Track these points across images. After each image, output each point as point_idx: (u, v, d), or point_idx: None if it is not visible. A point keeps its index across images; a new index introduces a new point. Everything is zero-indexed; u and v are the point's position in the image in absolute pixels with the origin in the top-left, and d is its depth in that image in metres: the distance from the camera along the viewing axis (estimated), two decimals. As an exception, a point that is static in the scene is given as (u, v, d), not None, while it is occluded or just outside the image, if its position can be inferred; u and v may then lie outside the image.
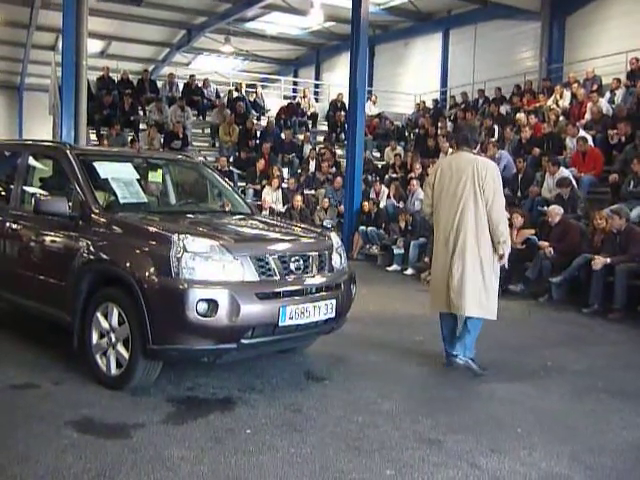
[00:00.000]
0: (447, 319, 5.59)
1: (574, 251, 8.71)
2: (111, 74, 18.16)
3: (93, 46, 22.28)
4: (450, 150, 14.32)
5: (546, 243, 9.07)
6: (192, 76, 19.16)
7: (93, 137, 15.36)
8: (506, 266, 5.60)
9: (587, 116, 13.60)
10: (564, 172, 10.87)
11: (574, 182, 10.57)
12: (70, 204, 5.01)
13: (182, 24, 23.96)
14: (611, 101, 14.06)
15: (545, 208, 9.98)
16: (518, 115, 14.88)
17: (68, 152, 5.44)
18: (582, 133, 12.21)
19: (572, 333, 7.27)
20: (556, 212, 9.29)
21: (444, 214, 5.47)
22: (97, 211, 4.95)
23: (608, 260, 8.00)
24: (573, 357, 6.17)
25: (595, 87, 15.01)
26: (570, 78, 15.79)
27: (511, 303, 8.58)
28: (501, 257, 5.36)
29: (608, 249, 8.25)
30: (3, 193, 6.19)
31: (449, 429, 4.17)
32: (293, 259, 4.78)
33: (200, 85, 18.83)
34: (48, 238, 5.21)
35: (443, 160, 6.33)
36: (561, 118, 14.22)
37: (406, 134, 19.47)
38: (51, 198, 5.11)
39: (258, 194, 14.51)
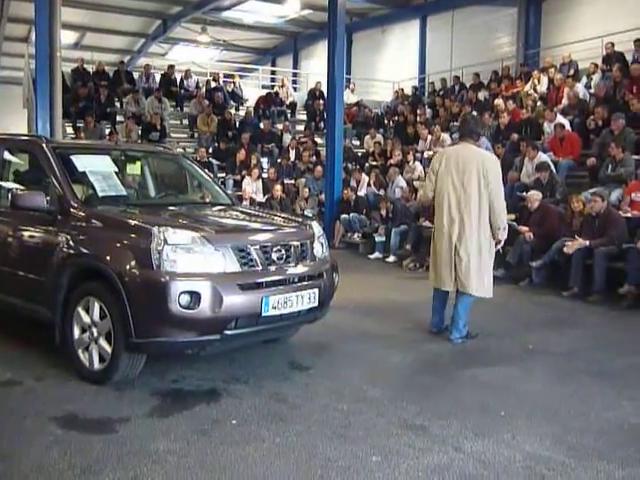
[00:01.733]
0: (440, 294, 6.15)
1: (553, 235, 8.79)
2: (86, 66, 17.94)
3: (67, 37, 22.00)
4: (429, 137, 14.47)
5: (526, 228, 9.13)
6: (171, 66, 19.01)
7: (69, 130, 15.20)
8: (500, 250, 6.09)
9: (564, 101, 13.69)
10: (543, 157, 10.95)
11: (552, 167, 10.65)
12: (48, 198, 4.95)
13: (157, 14, 23.72)
14: (588, 86, 14.15)
15: (524, 193, 10.04)
16: (496, 101, 14.92)
17: (44, 146, 5.36)
18: (559, 118, 12.30)
19: (553, 316, 7.34)
20: (535, 197, 9.36)
21: (448, 201, 5.88)
22: (76, 205, 4.90)
23: (587, 243, 8.08)
24: (554, 340, 6.24)
25: (572, 72, 15.10)
26: (547, 63, 15.87)
27: (492, 288, 8.63)
28: (499, 242, 5.94)
29: (587, 232, 8.33)
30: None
31: (434, 414, 4.20)
32: (275, 249, 4.77)
33: (182, 76, 18.69)
34: (26, 233, 5.14)
35: (448, 149, 6.65)
36: (539, 103, 14.31)
37: (385, 122, 19.47)
38: (28, 193, 5.06)
39: (238, 184, 14.46)
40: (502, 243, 6.01)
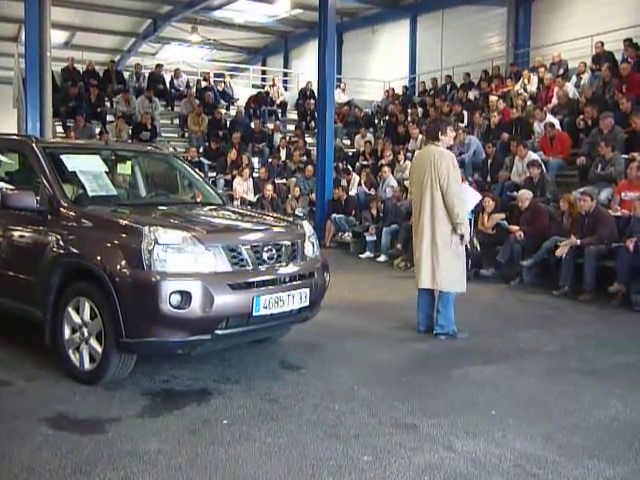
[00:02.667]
0: (421, 293, 6.25)
1: (544, 234, 8.83)
2: (76, 65, 17.87)
3: (57, 37, 21.87)
4: (420, 137, 14.51)
5: (516, 227, 9.16)
6: (159, 65, 18.96)
7: (59, 129, 15.13)
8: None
9: (554, 100, 13.74)
10: (533, 156, 11.00)
11: (543, 166, 10.69)
12: (38, 198, 4.93)
13: (147, 13, 23.66)
14: (577, 85, 14.21)
15: (515, 193, 10.07)
16: (491, 97, 14.95)
17: (34, 145, 5.34)
18: (550, 117, 12.35)
19: (544, 315, 7.37)
20: (525, 197, 9.39)
21: (414, 201, 6.25)
22: (66, 205, 4.88)
23: (578, 242, 8.11)
24: (545, 339, 6.26)
25: (561, 71, 15.16)
26: (537, 62, 15.93)
27: (483, 287, 8.67)
28: (461, 237, 5.96)
29: (577, 231, 8.36)
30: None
31: (425, 413, 4.21)
32: (266, 249, 4.77)
33: (172, 75, 18.68)
34: (16, 233, 5.12)
35: (416, 154, 7.05)
36: (529, 103, 14.36)
37: (376, 121, 19.49)
38: (18, 192, 5.01)
39: (229, 184, 14.44)
40: (465, 238, 6.01)
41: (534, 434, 3.91)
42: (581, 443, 3.81)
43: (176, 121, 17.82)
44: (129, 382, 4.59)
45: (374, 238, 11.77)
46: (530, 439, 3.84)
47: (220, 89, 19.26)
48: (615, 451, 3.71)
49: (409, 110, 17.61)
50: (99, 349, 4.46)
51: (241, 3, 21.86)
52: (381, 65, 23.22)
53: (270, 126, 18.05)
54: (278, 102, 19.68)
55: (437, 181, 5.89)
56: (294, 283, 4.87)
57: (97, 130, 15.23)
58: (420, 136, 14.61)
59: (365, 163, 15.35)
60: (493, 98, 14.71)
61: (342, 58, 24.10)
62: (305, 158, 15.95)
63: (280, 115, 19.44)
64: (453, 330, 6.08)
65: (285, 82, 23.82)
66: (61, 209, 4.85)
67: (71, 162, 5.49)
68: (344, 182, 13.87)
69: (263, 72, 25.56)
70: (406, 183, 12.22)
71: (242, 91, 20.81)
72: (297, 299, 4.83)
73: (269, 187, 13.32)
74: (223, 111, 18.01)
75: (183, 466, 3.39)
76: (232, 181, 14.25)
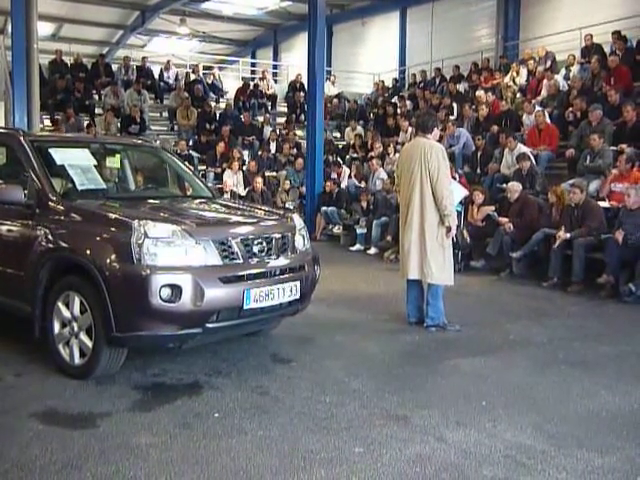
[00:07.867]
0: (410, 285, 6.25)
1: (533, 226, 8.85)
2: (64, 57, 17.74)
3: (44, 29, 21.70)
4: (410, 129, 14.52)
5: (506, 219, 9.18)
6: (144, 58, 18.88)
7: (47, 122, 15.03)
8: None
9: (543, 93, 13.77)
10: (522, 148, 11.02)
11: (532, 158, 10.71)
12: (26, 192, 4.90)
13: (136, 5, 23.49)
14: (567, 78, 14.24)
15: (504, 185, 10.10)
16: (478, 92, 14.96)
17: (22, 139, 5.30)
18: (538, 110, 12.37)
19: (533, 306, 7.40)
20: (515, 189, 9.42)
21: (402, 192, 6.21)
22: (54, 199, 4.85)
23: (568, 235, 8.14)
24: (535, 330, 6.30)
25: (549, 64, 15.19)
26: (526, 55, 15.95)
27: (473, 279, 8.70)
28: (448, 230, 5.95)
29: (566, 223, 8.40)
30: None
31: (416, 405, 4.23)
32: (256, 242, 4.77)
33: (162, 68, 18.59)
34: (4, 227, 5.08)
35: (405, 146, 6.91)
36: (518, 95, 14.37)
37: (366, 113, 19.47)
38: (6, 186, 4.99)
39: (219, 177, 14.40)
40: (452, 232, 6.03)
41: (524, 424, 3.94)
42: (570, 433, 3.84)
43: (165, 114, 17.74)
44: (120, 376, 4.58)
45: (364, 231, 11.77)
46: (520, 429, 3.87)
47: (209, 82, 19.17)
48: (603, 440, 3.74)
49: (399, 102, 17.59)
50: (89, 343, 4.44)
51: (230, -5, 21.75)
52: (371, 57, 23.18)
53: (260, 119, 18.00)
54: (268, 95, 19.61)
55: (427, 173, 5.88)
56: (284, 276, 4.88)
57: (85, 123, 15.13)
58: (410, 129, 14.61)
59: (355, 156, 15.34)
60: (480, 93, 14.72)
61: (332, 50, 24.04)
62: (295, 151, 15.93)
63: (270, 108, 19.38)
64: (443, 322, 6.10)
65: (275, 75, 23.74)
66: (50, 203, 4.82)
67: (59, 155, 5.46)
68: (334, 175, 13.86)
69: (253, 64, 25.47)
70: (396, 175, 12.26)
71: (231, 84, 20.71)
72: (287, 292, 4.83)
73: (259, 180, 13.29)
74: (213, 104, 17.93)
75: (174, 460, 3.39)
76: (222, 174, 14.21)
